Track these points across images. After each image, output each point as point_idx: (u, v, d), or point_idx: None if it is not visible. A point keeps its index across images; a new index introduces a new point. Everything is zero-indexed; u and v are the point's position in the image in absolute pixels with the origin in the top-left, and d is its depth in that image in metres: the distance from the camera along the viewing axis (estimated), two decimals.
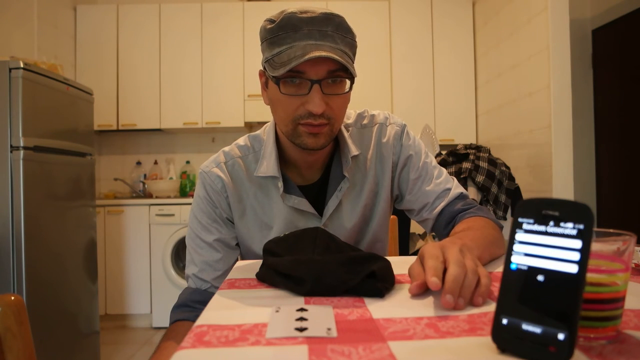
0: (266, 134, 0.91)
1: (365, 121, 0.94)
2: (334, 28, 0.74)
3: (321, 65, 0.73)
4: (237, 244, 0.92)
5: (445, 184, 0.92)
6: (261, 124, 3.35)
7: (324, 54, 0.70)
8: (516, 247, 0.37)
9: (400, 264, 0.72)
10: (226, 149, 0.93)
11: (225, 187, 0.88)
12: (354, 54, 0.80)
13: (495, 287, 0.57)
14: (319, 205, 0.89)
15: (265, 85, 0.84)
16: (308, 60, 0.71)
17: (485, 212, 0.88)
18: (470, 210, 0.88)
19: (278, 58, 0.74)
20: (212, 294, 0.85)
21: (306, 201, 0.87)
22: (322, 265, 0.55)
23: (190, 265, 0.89)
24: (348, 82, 0.78)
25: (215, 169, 0.90)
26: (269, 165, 0.86)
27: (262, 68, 0.82)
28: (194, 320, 0.82)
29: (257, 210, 0.89)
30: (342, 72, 0.75)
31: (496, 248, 0.76)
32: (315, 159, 0.88)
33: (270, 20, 0.76)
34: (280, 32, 0.74)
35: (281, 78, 0.75)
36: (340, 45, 0.75)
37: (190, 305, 0.85)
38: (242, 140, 0.94)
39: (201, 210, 0.89)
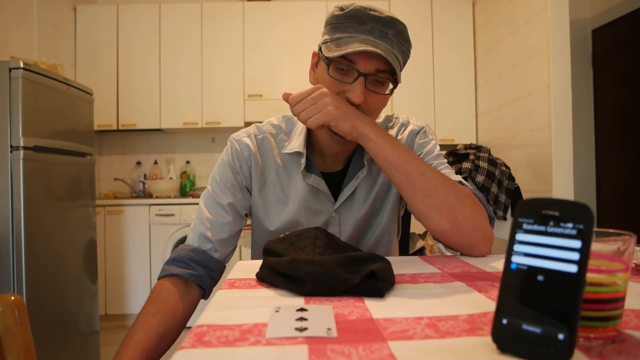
0: None
1: (390, 122, 0.99)
2: (394, 33, 0.79)
3: (372, 61, 0.77)
4: (246, 214, 0.95)
5: None
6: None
7: (378, 51, 0.75)
8: (516, 247, 0.37)
9: (400, 264, 0.72)
10: (259, 124, 0.97)
11: (251, 156, 0.92)
12: (405, 63, 0.85)
13: (495, 287, 0.57)
14: (335, 193, 0.92)
15: (315, 66, 0.88)
16: (361, 53, 0.75)
17: (481, 197, 0.85)
18: None
19: (336, 42, 0.79)
20: (211, 257, 0.87)
21: (324, 182, 0.90)
22: (322, 265, 0.55)
23: (198, 224, 0.90)
24: (390, 86, 0.83)
25: (246, 139, 0.94)
26: (296, 142, 0.90)
27: (316, 49, 0.87)
28: (186, 278, 0.83)
29: (277, 186, 0.93)
30: (389, 75, 0.80)
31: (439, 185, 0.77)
32: (342, 150, 0.91)
33: (340, 8, 0.81)
34: (346, 20, 0.79)
35: (333, 61, 0.79)
36: (396, 50, 0.79)
37: (187, 262, 0.85)
38: (275, 120, 0.98)
39: (223, 173, 0.93)
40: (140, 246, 3.05)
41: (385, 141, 0.77)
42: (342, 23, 0.79)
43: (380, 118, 0.98)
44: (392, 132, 0.97)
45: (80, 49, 3.38)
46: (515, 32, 2.78)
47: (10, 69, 1.85)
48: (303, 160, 0.89)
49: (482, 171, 2.47)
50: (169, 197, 3.29)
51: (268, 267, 0.61)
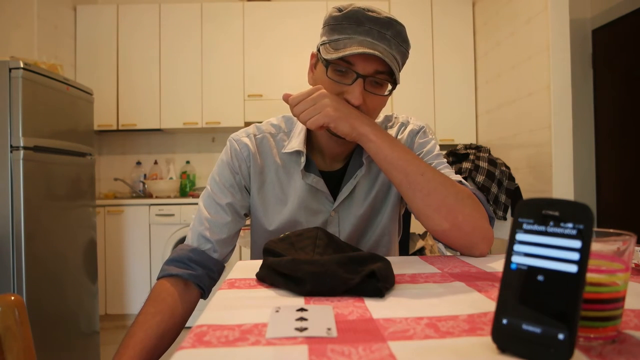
0: None
1: (390, 122, 0.99)
2: (393, 34, 0.79)
3: (371, 63, 0.78)
4: (245, 214, 0.95)
5: None
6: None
7: (376, 53, 0.75)
8: (516, 247, 0.37)
9: (400, 264, 0.72)
10: (259, 124, 0.98)
11: (250, 156, 0.92)
12: (403, 64, 0.85)
13: (495, 287, 0.57)
14: (334, 193, 0.92)
15: (313, 67, 0.88)
16: (360, 55, 0.75)
17: (481, 197, 0.85)
18: None
19: (334, 44, 0.79)
20: (210, 257, 0.87)
21: (322, 182, 0.90)
22: (322, 265, 0.55)
23: (197, 224, 0.90)
24: (389, 87, 0.83)
25: (245, 139, 0.94)
26: (296, 142, 0.90)
27: (315, 50, 0.87)
28: (186, 278, 0.83)
29: (276, 186, 0.93)
30: (387, 76, 0.80)
31: (438, 185, 0.76)
32: (341, 151, 0.91)
33: (338, 9, 0.81)
34: (344, 21, 0.79)
35: (331, 62, 0.79)
36: (394, 51, 0.79)
37: (186, 262, 0.85)
38: (275, 120, 0.98)
39: (222, 173, 0.93)
40: (140, 246, 3.05)
41: (384, 141, 0.77)
42: (340, 24, 0.79)
43: (380, 118, 0.97)
44: (392, 131, 0.97)
45: (80, 49, 3.37)
46: (515, 32, 2.78)
47: (10, 69, 1.85)
48: (303, 159, 0.89)
49: (482, 171, 2.47)
50: (169, 197, 3.29)
51: (268, 267, 0.61)
